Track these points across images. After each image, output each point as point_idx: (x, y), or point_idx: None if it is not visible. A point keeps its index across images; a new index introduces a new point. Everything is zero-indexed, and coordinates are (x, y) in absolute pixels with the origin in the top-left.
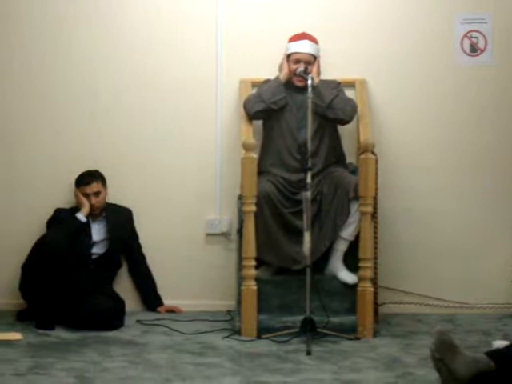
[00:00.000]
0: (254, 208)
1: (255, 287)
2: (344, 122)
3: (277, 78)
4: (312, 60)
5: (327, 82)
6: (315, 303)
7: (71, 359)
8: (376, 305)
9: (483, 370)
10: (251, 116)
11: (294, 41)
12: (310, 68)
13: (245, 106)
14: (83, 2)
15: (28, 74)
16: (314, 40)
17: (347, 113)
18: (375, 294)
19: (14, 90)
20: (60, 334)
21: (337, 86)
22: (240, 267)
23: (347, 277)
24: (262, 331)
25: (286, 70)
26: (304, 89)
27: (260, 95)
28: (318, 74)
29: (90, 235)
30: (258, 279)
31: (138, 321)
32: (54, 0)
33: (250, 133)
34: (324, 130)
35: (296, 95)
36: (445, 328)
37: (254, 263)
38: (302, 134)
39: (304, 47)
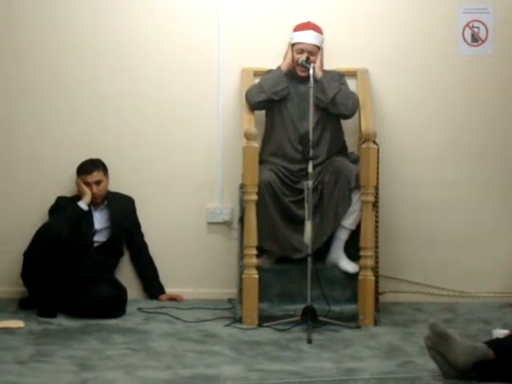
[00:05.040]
0: (255, 197)
1: (256, 276)
2: (346, 117)
3: (278, 67)
4: (316, 50)
5: (330, 73)
6: (316, 292)
7: (73, 347)
8: (377, 293)
9: (481, 358)
10: (253, 106)
11: (299, 30)
12: (312, 57)
13: (247, 97)
14: None
15: (32, 61)
16: (318, 30)
17: (349, 108)
18: (376, 282)
19: (18, 78)
20: (62, 321)
21: (340, 78)
22: (241, 256)
23: (348, 266)
24: (263, 319)
25: (288, 60)
26: (307, 79)
27: (261, 86)
28: (321, 66)
29: (91, 223)
30: (259, 268)
31: (139, 309)
32: None
33: (251, 122)
34: (326, 121)
35: (299, 86)
36: (437, 320)
37: (255, 252)
38: (304, 125)
39: (308, 38)
